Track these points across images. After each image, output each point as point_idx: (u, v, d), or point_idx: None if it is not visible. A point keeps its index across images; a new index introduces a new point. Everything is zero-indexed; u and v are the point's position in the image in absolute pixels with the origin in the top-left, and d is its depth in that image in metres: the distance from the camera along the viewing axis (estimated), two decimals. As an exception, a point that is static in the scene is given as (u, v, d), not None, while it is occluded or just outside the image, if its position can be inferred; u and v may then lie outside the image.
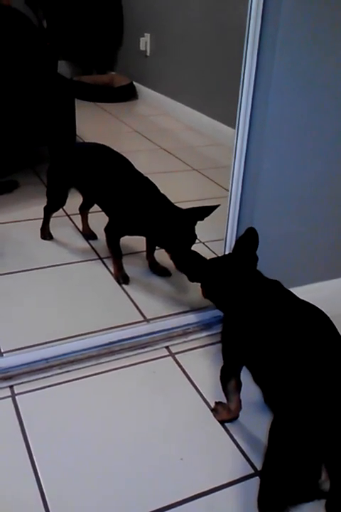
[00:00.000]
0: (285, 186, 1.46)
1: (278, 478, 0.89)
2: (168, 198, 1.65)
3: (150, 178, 1.70)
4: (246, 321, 1.12)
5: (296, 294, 1.13)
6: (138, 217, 1.63)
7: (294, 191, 1.47)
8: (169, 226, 1.57)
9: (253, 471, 1.13)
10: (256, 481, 1.09)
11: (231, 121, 1.50)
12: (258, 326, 1.08)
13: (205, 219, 1.58)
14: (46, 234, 1.98)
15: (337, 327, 1.02)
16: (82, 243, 1.98)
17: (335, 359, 0.95)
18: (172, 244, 1.58)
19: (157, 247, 1.79)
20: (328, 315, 1.04)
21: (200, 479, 1.12)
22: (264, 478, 0.94)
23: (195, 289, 1.59)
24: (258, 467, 1.13)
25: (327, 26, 1.31)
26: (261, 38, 1.31)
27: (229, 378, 1.20)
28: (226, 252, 1.56)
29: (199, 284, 1.38)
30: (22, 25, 2.39)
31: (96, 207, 1.84)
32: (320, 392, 0.88)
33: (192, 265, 1.35)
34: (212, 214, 1.57)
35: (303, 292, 1.18)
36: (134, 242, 1.87)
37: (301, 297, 1.11)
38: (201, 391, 1.34)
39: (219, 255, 1.47)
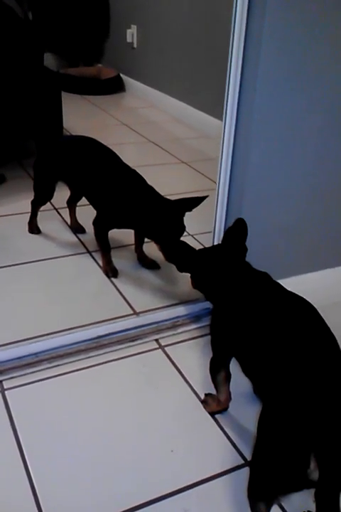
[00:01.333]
0: (272, 178, 1.46)
1: (267, 468, 0.90)
2: (156, 190, 1.65)
3: (138, 171, 1.70)
4: (235, 313, 1.13)
5: (284, 286, 1.14)
6: (127, 210, 1.63)
7: (282, 183, 1.48)
8: (157, 217, 1.57)
9: (243, 462, 1.14)
10: (246, 471, 1.10)
11: (218, 113, 1.50)
12: (246, 317, 1.09)
13: (194, 212, 1.58)
14: (34, 228, 1.97)
15: (324, 318, 1.03)
16: (70, 237, 1.98)
17: (323, 349, 0.96)
18: (161, 235, 1.58)
19: (146, 240, 1.78)
20: (316, 306, 1.05)
21: (191, 470, 1.12)
22: (254, 469, 0.95)
23: (184, 282, 1.60)
24: (248, 457, 1.14)
25: (315, 17, 1.31)
26: (247, 30, 1.30)
27: (218, 370, 1.21)
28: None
29: (188, 275, 1.39)
30: (7, 17, 2.36)
31: (84, 200, 1.84)
32: (309, 383, 0.89)
33: (181, 255, 1.35)
34: (200, 206, 1.57)
35: (291, 284, 1.19)
36: (123, 236, 1.87)
37: (289, 289, 1.12)
38: (191, 383, 1.34)
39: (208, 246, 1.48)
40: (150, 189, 1.64)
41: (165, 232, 1.57)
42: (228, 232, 1.33)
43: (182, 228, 1.59)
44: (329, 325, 1.01)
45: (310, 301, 1.06)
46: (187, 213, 1.59)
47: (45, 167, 1.87)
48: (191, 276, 1.36)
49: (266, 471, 0.90)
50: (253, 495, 0.93)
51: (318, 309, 1.04)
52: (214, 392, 1.25)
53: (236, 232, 1.30)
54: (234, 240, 1.30)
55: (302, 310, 1.05)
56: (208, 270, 1.27)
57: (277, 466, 0.88)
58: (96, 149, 1.77)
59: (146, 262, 1.81)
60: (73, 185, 1.89)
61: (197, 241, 1.91)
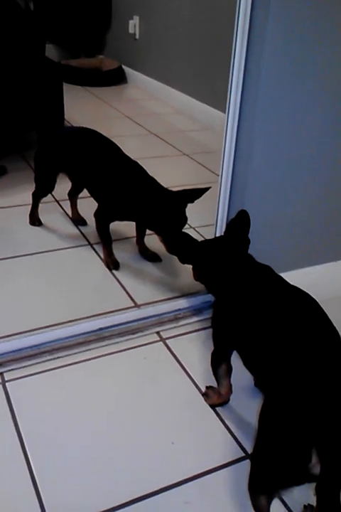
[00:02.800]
0: (275, 171, 1.45)
1: (268, 462, 0.90)
2: (158, 182, 1.64)
3: (140, 163, 1.69)
4: (237, 306, 1.12)
5: (286, 279, 1.13)
6: (128, 202, 1.62)
7: (284, 176, 1.47)
8: (159, 208, 1.56)
9: (243, 455, 1.14)
10: (246, 464, 1.09)
11: (221, 105, 1.50)
12: (248, 310, 1.09)
13: (196, 204, 1.58)
14: (35, 220, 1.97)
15: (326, 312, 1.02)
16: (71, 229, 1.97)
17: (325, 343, 0.95)
18: (163, 226, 1.57)
19: (147, 233, 1.78)
20: (318, 300, 1.05)
21: (192, 463, 1.12)
22: (255, 462, 0.95)
23: (186, 275, 1.59)
24: (249, 450, 1.14)
25: (319, 9, 1.30)
26: (251, 22, 1.29)
27: (219, 363, 1.21)
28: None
29: (189, 268, 1.38)
30: (8, 8, 2.35)
31: (85, 192, 1.83)
32: (311, 377, 0.89)
33: (183, 247, 1.35)
34: (203, 199, 1.56)
35: (293, 277, 1.18)
36: (124, 228, 1.86)
37: (291, 282, 1.12)
38: (192, 376, 1.34)
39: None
40: (152, 180, 1.63)
41: (167, 224, 1.56)
42: (230, 224, 1.32)
43: (184, 220, 1.58)
44: (331, 319, 1.01)
45: (312, 294, 1.06)
46: (189, 206, 1.59)
47: (46, 159, 1.86)
48: (193, 268, 1.36)
49: (267, 465, 0.90)
50: (254, 488, 0.93)
51: (320, 303, 1.04)
52: (215, 384, 1.25)
53: (239, 224, 1.30)
54: (236, 232, 1.29)
55: (305, 304, 1.05)
56: (210, 262, 1.27)
57: (278, 460, 0.88)
58: (97, 141, 1.77)
59: (148, 255, 1.80)
60: (74, 177, 1.88)
61: (199, 234, 1.90)
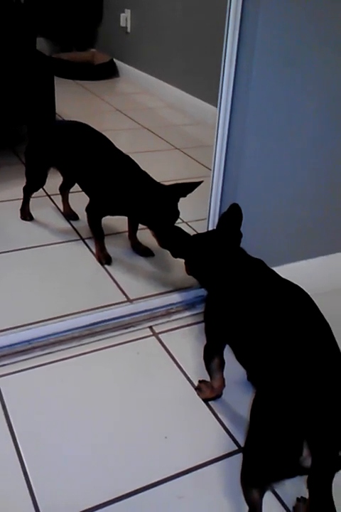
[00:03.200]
0: (267, 165, 1.45)
1: (260, 455, 0.90)
2: (150, 176, 1.63)
3: (132, 158, 1.68)
4: (229, 299, 1.12)
5: (278, 273, 1.13)
6: (120, 196, 1.61)
7: (276, 169, 1.47)
8: (151, 202, 1.55)
9: (236, 448, 1.15)
10: (239, 457, 1.09)
11: (214, 99, 1.49)
12: (240, 304, 1.09)
13: (188, 199, 1.57)
14: (26, 214, 1.95)
15: (318, 306, 1.03)
16: (63, 224, 1.96)
17: (316, 337, 0.96)
18: (155, 220, 1.57)
19: (140, 227, 1.77)
20: (309, 294, 1.05)
21: (185, 456, 1.13)
22: (247, 455, 0.95)
23: (178, 269, 1.59)
24: (242, 444, 1.15)
25: (311, 3, 1.30)
26: (243, 15, 1.29)
27: (212, 357, 1.21)
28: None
29: (182, 263, 1.38)
30: (-2, 0, 2.33)
31: (77, 187, 1.82)
32: (302, 370, 0.89)
33: (175, 241, 1.34)
34: (195, 194, 1.56)
35: (285, 271, 1.18)
36: (116, 223, 1.86)
37: (283, 276, 1.12)
38: (184, 370, 1.34)
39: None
40: (144, 174, 1.63)
41: (160, 218, 1.56)
42: (223, 218, 1.32)
43: (177, 213, 1.58)
44: (322, 312, 1.01)
45: (304, 288, 1.06)
46: (181, 200, 1.58)
47: (37, 153, 1.85)
48: (186, 262, 1.36)
49: (259, 458, 0.91)
50: (247, 481, 0.93)
51: (312, 297, 1.04)
52: (208, 378, 1.25)
53: (231, 217, 1.29)
54: (228, 225, 1.29)
55: (296, 297, 1.05)
56: (203, 256, 1.27)
57: (270, 453, 0.88)
58: (88, 135, 1.76)
59: (140, 249, 1.80)
60: (65, 171, 1.87)
61: (192, 228, 1.90)
